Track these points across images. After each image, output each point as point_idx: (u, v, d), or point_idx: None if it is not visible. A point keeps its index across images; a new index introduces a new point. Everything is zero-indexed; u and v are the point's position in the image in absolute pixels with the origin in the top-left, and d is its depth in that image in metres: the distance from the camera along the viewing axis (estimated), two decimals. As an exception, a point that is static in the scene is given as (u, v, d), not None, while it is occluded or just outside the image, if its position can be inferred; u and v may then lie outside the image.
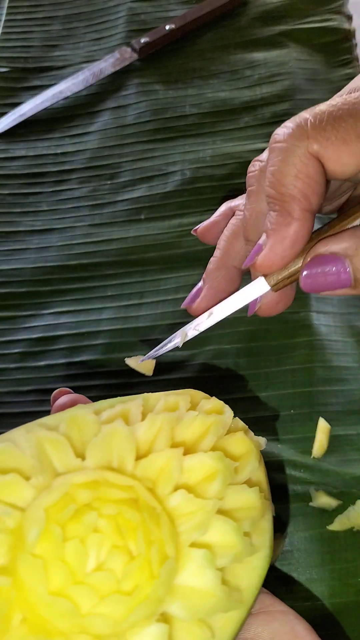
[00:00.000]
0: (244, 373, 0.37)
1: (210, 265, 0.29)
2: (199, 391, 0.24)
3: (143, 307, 0.40)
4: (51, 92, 0.52)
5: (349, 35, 0.53)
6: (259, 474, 0.23)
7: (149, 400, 0.23)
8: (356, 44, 0.53)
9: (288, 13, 0.55)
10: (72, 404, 0.24)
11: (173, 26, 0.54)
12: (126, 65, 0.53)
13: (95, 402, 0.23)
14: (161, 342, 0.28)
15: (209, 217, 0.42)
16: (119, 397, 0.23)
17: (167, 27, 0.54)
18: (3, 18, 0.59)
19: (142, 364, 0.34)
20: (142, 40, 0.53)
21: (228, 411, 0.23)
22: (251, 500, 0.21)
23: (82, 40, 0.57)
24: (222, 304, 0.28)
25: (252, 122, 0.48)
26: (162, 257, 0.42)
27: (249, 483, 0.22)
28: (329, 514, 0.32)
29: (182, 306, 0.30)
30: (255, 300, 0.26)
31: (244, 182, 0.49)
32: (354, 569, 0.31)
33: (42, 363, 0.39)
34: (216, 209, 0.44)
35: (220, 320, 0.39)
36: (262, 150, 0.51)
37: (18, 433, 0.21)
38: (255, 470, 0.22)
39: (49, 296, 0.42)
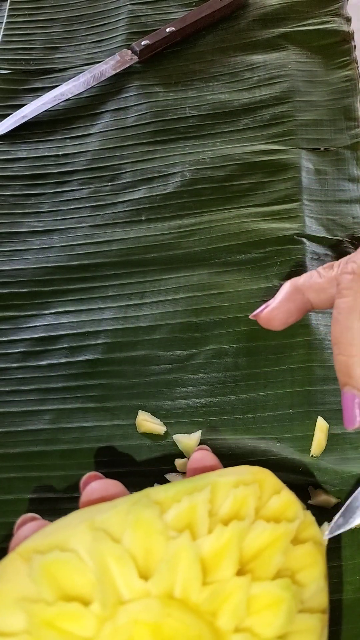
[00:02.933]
0: (243, 372, 0.37)
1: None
2: (266, 471, 0.23)
3: (143, 307, 0.40)
4: (52, 94, 0.52)
5: (348, 37, 0.53)
6: (323, 587, 0.22)
7: (217, 492, 0.22)
8: (355, 46, 0.53)
9: (287, 15, 0.55)
10: (101, 493, 0.23)
11: (173, 29, 0.54)
12: (126, 68, 0.54)
13: (159, 488, 0.22)
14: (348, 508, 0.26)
15: (208, 218, 0.42)
16: (184, 482, 0.22)
17: (167, 30, 0.54)
18: (4, 20, 0.59)
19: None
20: (143, 43, 0.54)
21: (298, 510, 0.22)
22: (312, 629, 0.20)
23: (83, 42, 0.57)
24: None
25: (251, 124, 0.49)
26: (163, 257, 0.43)
27: (313, 602, 0.21)
28: (328, 512, 0.32)
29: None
30: None
31: (243, 184, 0.49)
32: (351, 567, 0.31)
33: (44, 362, 0.39)
34: (215, 210, 0.45)
35: (226, 321, 0.39)
36: (261, 152, 0.52)
37: (80, 536, 0.20)
38: (321, 590, 0.22)
39: (51, 296, 0.42)
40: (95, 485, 0.24)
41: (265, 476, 0.23)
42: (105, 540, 0.20)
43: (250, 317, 0.32)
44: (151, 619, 0.19)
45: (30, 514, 0.24)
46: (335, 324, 0.27)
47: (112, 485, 0.24)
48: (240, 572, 0.20)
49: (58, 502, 0.34)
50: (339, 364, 0.28)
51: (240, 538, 0.21)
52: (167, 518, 0.21)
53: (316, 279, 0.30)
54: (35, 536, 0.21)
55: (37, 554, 0.20)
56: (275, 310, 0.30)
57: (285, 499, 0.22)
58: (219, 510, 0.21)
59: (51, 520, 0.23)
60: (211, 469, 0.24)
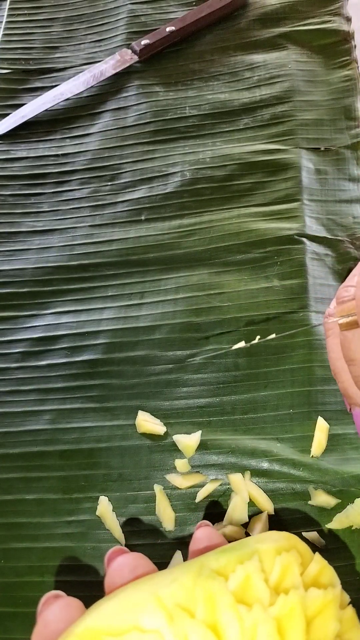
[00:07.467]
0: (243, 372, 0.37)
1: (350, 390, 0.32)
2: (295, 537, 0.23)
3: (143, 307, 0.40)
4: (52, 93, 0.52)
5: (348, 37, 0.53)
6: None
7: (263, 560, 0.21)
8: (355, 46, 0.53)
9: (287, 15, 0.55)
10: (131, 569, 0.22)
11: (173, 28, 0.54)
12: (126, 67, 0.53)
13: (209, 556, 0.21)
14: None
15: (208, 218, 0.42)
16: (228, 551, 0.21)
17: (167, 29, 0.54)
18: (4, 20, 0.59)
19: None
20: (143, 42, 0.53)
21: (333, 574, 0.22)
22: None
23: (83, 42, 0.57)
24: None
25: (251, 124, 0.49)
26: (163, 257, 0.42)
27: None
28: (328, 513, 0.32)
29: None
30: None
31: (243, 184, 0.49)
32: (352, 567, 0.31)
33: (43, 362, 0.39)
34: (215, 210, 0.45)
35: (226, 321, 0.39)
36: (261, 152, 0.52)
37: (152, 614, 0.19)
38: None
39: (50, 296, 0.42)
40: (122, 560, 0.23)
41: (296, 542, 0.23)
42: (184, 617, 0.19)
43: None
44: None
45: (53, 592, 0.23)
46: (329, 359, 0.34)
47: (139, 558, 0.23)
48: None
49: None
50: (341, 390, 0.34)
51: (303, 606, 0.20)
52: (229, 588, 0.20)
53: None
54: (94, 616, 0.20)
55: (110, 637, 0.19)
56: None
57: (321, 564, 0.22)
58: (269, 578, 0.21)
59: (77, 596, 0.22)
60: (216, 547, 0.23)
